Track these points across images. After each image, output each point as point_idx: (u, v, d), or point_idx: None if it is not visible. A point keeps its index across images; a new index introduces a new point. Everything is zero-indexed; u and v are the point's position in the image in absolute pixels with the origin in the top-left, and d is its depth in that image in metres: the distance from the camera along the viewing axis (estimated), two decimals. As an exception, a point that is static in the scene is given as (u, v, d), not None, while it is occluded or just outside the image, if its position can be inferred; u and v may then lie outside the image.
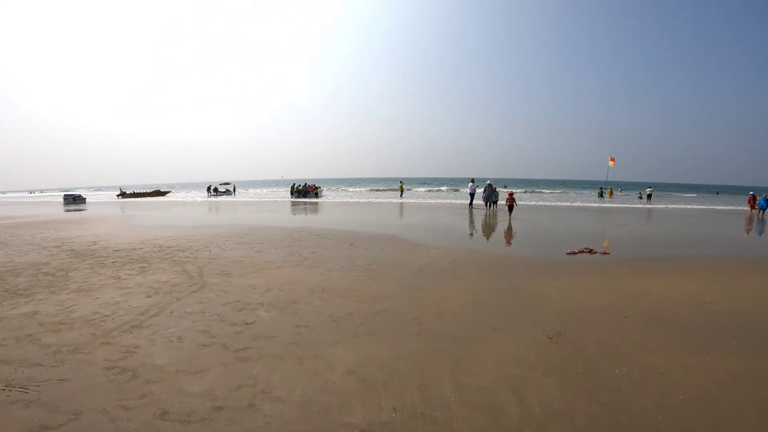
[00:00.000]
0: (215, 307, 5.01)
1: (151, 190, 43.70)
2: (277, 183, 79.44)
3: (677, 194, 46.20)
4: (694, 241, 11.03)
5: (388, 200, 28.40)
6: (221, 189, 41.39)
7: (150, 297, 5.41)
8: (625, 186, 61.37)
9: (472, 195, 20.83)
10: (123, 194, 40.28)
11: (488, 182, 19.25)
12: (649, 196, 34.16)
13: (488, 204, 18.56)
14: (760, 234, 13.21)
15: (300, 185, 33.30)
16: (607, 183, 36.88)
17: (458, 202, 25.81)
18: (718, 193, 55.89)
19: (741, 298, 5.18)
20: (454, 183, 69.82)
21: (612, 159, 32.15)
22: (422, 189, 48.74)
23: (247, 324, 4.44)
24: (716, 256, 8.43)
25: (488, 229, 12.88)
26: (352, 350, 3.82)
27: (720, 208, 25.42)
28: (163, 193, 42.74)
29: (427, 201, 27.98)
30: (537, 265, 7.13)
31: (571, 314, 4.56)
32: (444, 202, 26.76)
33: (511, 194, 14.97)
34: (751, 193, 24.93)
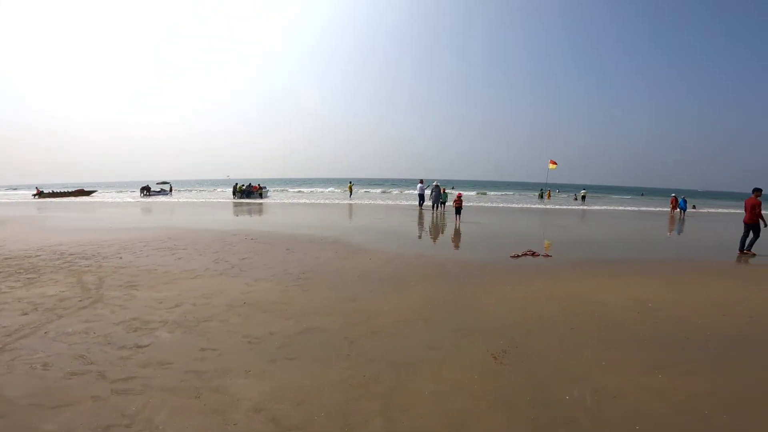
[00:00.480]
0: (105, 326, 4.13)
1: (74, 189, 39.25)
2: (223, 183, 75.34)
3: (609, 196, 49.88)
4: (629, 241, 11.48)
5: (339, 202, 27.62)
6: (155, 188, 38.16)
7: (26, 314, 4.43)
8: (562, 188, 65.33)
9: (421, 196, 20.68)
10: (40, 194, 35.67)
11: (435, 183, 19.15)
12: (584, 197, 36.39)
13: (435, 205, 18.45)
14: (679, 234, 14.22)
15: (243, 185, 31.47)
16: (546, 185, 38.88)
17: (408, 203, 25.67)
18: (642, 194, 61.34)
19: (683, 303, 5.12)
20: (409, 184, 70.49)
21: (552, 162, 33.84)
22: (377, 190, 48.37)
23: (139, 347, 3.64)
24: (652, 258, 8.70)
25: (435, 231, 12.64)
26: (265, 380, 3.17)
27: (646, 209, 27.51)
28: (88, 193, 38.49)
29: (377, 202, 27.59)
30: (483, 271, 6.85)
31: (517, 327, 4.20)
32: (394, 203, 26.49)
33: (459, 196, 14.85)
34: (673, 195, 27.26)
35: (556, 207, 26.57)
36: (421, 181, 21.39)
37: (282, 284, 5.82)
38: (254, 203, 25.60)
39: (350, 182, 35.27)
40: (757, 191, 10.02)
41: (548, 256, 8.34)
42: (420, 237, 11.35)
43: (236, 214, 18.29)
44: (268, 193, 33.81)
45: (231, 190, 32.24)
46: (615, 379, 3.13)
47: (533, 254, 8.41)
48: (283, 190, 45.89)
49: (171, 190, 38.86)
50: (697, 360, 3.50)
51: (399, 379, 3.19)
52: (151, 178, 58.29)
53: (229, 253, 8.02)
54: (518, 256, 8.21)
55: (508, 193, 46.34)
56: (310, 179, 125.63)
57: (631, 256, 8.71)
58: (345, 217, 17.34)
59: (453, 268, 6.94)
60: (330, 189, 47.59)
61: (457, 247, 9.90)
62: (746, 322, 4.49)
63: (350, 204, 25.31)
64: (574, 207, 27.19)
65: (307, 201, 27.73)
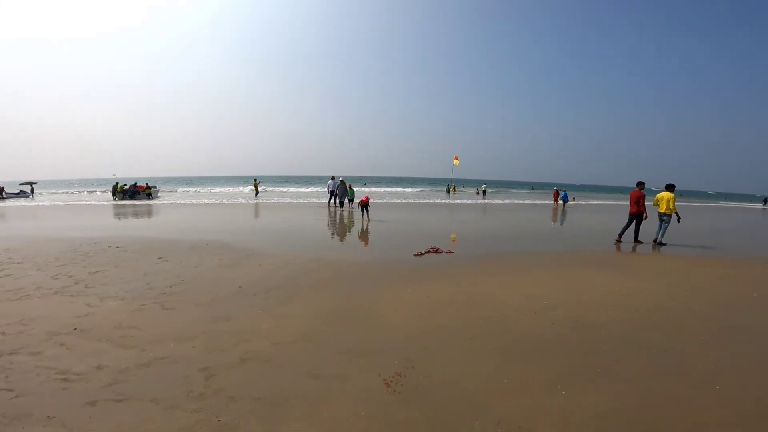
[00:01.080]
0: None
1: None
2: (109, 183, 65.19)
3: (506, 190, 54.73)
4: (521, 233, 12.20)
5: (243, 201, 25.47)
6: (12, 191, 31.36)
7: None
8: (467, 183, 70.10)
9: (332, 193, 19.94)
10: None
11: (341, 179, 18.57)
12: (485, 192, 39.26)
13: (341, 202, 17.90)
14: (562, 224, 15.80)
15: (125, 185, 27.32)
16: (451, 180, 41.08)
17: (319, 201, 24.73)
18: (533, 188, 68.81)
19: (575, 300, 5.09)
20: (322, 181, 68.87)
21: (456, 158, 35.74)
22: (288, 188, 46.14)
23: None
24: (543, 250, 9.19)
25: (340, 231, 12.07)
26: (72, 430, 2.36)
27: (533, 202, 30.47)
28: None
29: (286, 200, 26.08)
30: (383, 273, 6.44)
31: (414, 342, 3.74)
32: (304, 201, 25.32)
33: (366, 198, 14.52)
34: (555, 188, 30.64)
35: (461, 201, 28.03)
36: (333, 178, 20.60)
37: (137, 302, 4.70)
38: (140, 205, 22.27)
39: (255, 180, 32.85)
40: (641, 185, 10.96)
41: (451, 252, 8.32)
42: (322, 237, 10.65)
43: (109, 218, 15.54)
44: (159, 193, 29.95)
45: (111, 190, 27.75)
46: (518, 402, 2.79)
47: (436, 251, 8.32)
48: (172, 191, 40.98)
49: (33, 191, 32.30)
50: (598, 369, 3.28)
51: (264, 423, 2.52)
52: (17, 178, 48.10)
53: (78, 266, 6.45)
54: (421, 254, 8.04)
55: (418, 189, 47.96)
56: (217, 177, 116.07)
57: (525, 248, 9.14)
58: (243, 217, 15.84)
59: (351, 272, 6.41)
60: (240, 188, 44.13)
61: (360, 247, 9.44)
62: (636, 317, 4.50)
63: (256, 203, 23.49)
64: (476, 201, 28.98)
65: (208, 201, 25.05)
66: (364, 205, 14.02)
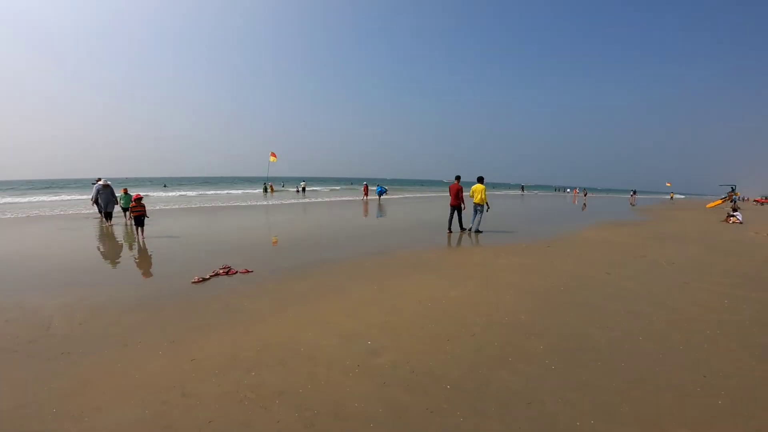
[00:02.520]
0: None
1: None
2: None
3: (325, 188, 55.40)
4: (337, 235, 11.41)
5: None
6: None
7: None
8: (287, 181, 68.21)
9: (96, 203, 14.65)
10: None
11: (101, 180, 13.74)
12: (304, 189, 38.44)
13: (108, 214, 13.34)
14: (379, 218, 16.10)
15: None
16: (268, 178, 38.59)
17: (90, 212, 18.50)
18: (351, 183, 72.52)
19: (404, 333, 4.00)
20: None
21: (273, 154, 33.43)
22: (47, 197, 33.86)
23: None
24: (360, 255, 8.40)
25: (95, 254, 8.64)
26: None
27: (344, 198, 31.26)
28: None
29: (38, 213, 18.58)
30: (128, 321, 4.28)
31: None
32: (72, 213, 18.50)
33: (137, 198, 10.36)
34: (365, 183, 32.16)
35: (277, 202, 26.10)
36: (98, 180, 15.04)
37: None
38: None
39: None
40: (458, 178, 11.77)
41: (247, 271, 6.64)
42: (66, 269, 7.15)
43: None
44: None
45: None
46: None
47: (227, 272, 6.50)
48: None
49: None
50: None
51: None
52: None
53: None
54: (204, 279, 6.09)
55: (239, 191, 42.66)
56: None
57: (341, 255, 8.20)
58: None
59: (73, 329, 4.02)
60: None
61: (112, 278, 6.52)
62: (478, 346, 3.70)
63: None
64: (295, 201, 27.54)
65: None
66: (137, 216, 10.09)
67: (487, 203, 11.60)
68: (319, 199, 29.32)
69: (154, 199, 28.04)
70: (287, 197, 31.65)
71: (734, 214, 18.23)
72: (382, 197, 30.81)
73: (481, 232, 11.49)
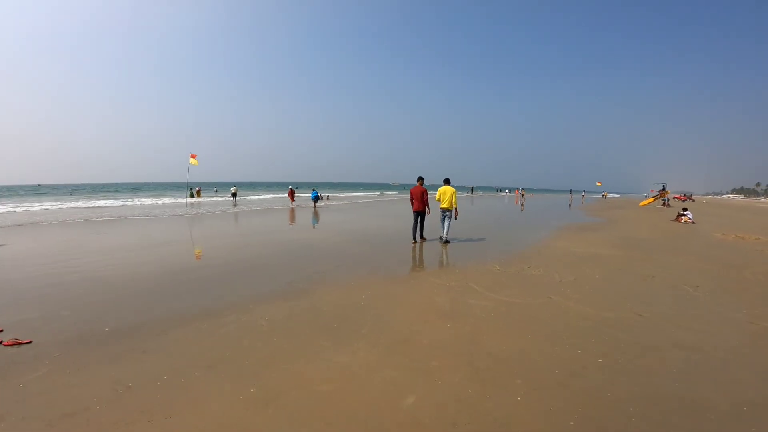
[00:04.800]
0: None
1: None
2: None
3: (257, 193, 50.85)
4: (223, 264, 8.07)
5: None
6: None
7: None
8: (220, 186, 62.76)
9: None
10: None
11: None
12: (234, 194, 34.08)
13: None
14: (315, 226, 12.87)
15: None
16: (188, 183, 33.56)
17: None
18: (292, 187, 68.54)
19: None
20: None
21: (193, 156, 28.63)
22: None
23: None
24: (246, 301, 5.36)
25: None
26: None
27: (277, 207, 27.53)
28: None
29: None
30: None
31: None
32: None
33: None
34: (291, 187, 28.54)
35: (182, 213, 21.31)
36: None
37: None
38: None
39: None
40: (421, 179, 9.96)
41: (19, 342, 3.25)
42: None
43: None
44: None
45: None
46: None
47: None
48: None
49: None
50: None
51: None
52: None
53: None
54: None
55: (148, 200, 36.05)
56: None
57: (214, 306, 5.01)
58: None
59: None
60: None
61: None
62: None
63: None
64: (204, 211, 22.73)
65: None
66: None
67: (456, 208, 9.77)
68: (243, 208, 25.09)
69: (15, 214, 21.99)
70: (206, 206, 26.86)
71: (685, 213, 17.72)
72: (317, 204, 26.99)
73: (449, 242, 9.87)
